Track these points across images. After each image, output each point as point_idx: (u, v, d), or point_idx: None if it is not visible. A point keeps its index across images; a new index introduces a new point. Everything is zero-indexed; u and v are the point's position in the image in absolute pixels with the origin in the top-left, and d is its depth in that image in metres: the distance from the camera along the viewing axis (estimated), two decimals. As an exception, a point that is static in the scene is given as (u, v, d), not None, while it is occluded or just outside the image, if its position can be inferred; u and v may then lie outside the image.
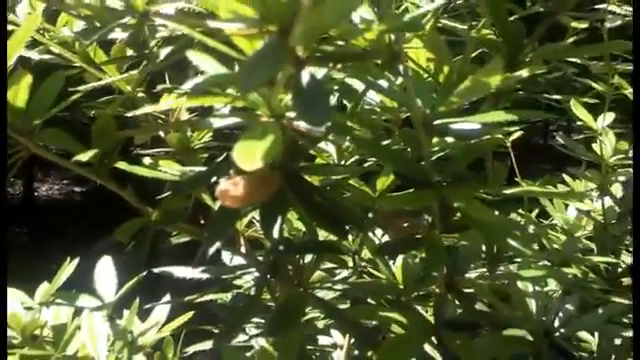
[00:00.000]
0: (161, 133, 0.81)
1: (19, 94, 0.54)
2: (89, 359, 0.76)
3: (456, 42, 0.70)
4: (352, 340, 0.78)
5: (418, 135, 0.51)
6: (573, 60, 0.93)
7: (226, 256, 0.82)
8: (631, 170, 1.01)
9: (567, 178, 1.12)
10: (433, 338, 0.64)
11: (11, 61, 0.53)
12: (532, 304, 0.74)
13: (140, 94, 0.78)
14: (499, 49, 0.62)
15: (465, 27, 0.72)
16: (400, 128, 0.68)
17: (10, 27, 0.68)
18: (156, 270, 0.75)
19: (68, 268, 0.81)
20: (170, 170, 0.71)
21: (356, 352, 0.78)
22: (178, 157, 0.79)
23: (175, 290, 0.88)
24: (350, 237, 0.73)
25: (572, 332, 0.75)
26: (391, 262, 0.76)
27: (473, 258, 0.71)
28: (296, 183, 0.53)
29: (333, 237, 0.60)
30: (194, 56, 0.45)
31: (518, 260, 0.82)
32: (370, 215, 0.65)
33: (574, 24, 0.74)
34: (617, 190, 1.06)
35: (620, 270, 0.97)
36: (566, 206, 1.08)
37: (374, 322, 0.72)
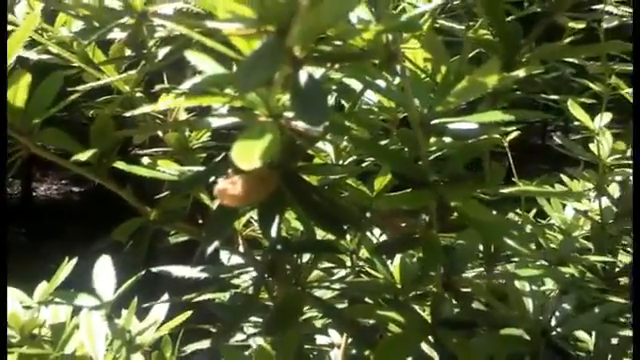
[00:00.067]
0: (159, 133, 0.81)
1: (18, 94, 0.55)
2: (87, 358, 0.77)
3: (453, 42, 0.71)
4: (349, 339, 0.78)
5: (416, 135, 0.51)
6: (571, 60, 0.94)
7: (224, 255, 0.82)
8: (628, 170, 1.01)
9: (565, 178, 1.12)
10: (430, 337, 0.64)
11: (10, 61, 0.53)
12: (529, 303, 0.74)
13: (138, 94, 0.78)
14: (496, 49, 0.63)
15: (462, 27, 0.72)
16: (398, 128, 0.68)
17: (9, 27, 0.68)
18: (154, 269, 0.75)
19: (67, 267, 0.81)
20: (168, 170, 0.71)
21: (353, 351, 0.78)
22: (176, 157, 0.79)
23: (173, 289, 0.88)
24: (348, 236, 0.73)
25: (569, 331, 0.75)
26: (389, 261, 0.77)
27: (470, 257, 0.71)
28: (294, 182, 0.54)
29: (331, 236, 0.60)
30: (192, 56, 0.45)
31: (515, 259, 0.82)
32: (368, 215, 0.65)
33: (571, 24, 0.74)
34: (614, 190, 1.06)
35: (617, 270, 0.98)
36: (564, 206, 1.08)
37: (371, 321, 0.72)
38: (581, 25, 0.76)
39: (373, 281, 0.76)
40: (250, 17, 0.39)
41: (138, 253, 0.67)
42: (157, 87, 0.72)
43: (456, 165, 0.57)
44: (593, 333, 0.83)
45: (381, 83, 0.54)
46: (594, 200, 1.05)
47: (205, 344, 0.89)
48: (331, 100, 0.64)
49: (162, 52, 0.65)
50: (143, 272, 0.82)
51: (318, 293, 0.72)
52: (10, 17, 0.71)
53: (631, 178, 1.01)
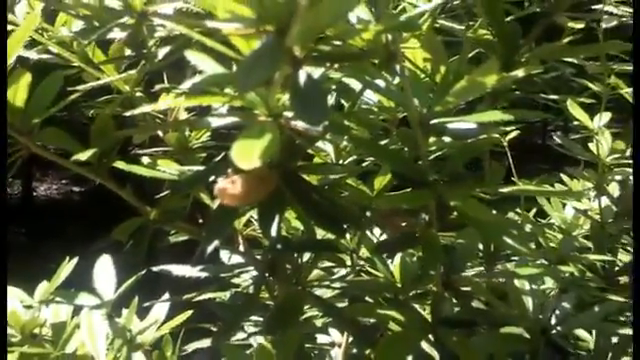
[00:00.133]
0: (159, 132, 0.81)
1: (18, 93, 0.55)
2: (88, 357, 0.77)
3: (453, 42, 0.71)
4: (350, 338, 0.78)
5: (415, 135, 0.51)
6: (570, 60, 0.94)
7: (224, 255, 0.82)
8: (627, 169, 1.02)
9: (565, 177, 1.13)
10: (430, 336, 0.64)
11: (10, 60, 0.53)
12: (529, 302, 0.74)
13: (138, 94, 0.78)
14: (495, 49, 0.63)
15: (462, 27, 0.72)
16: (397, 128, 0.68)
17: (9, 27, 0.68)
18: (155, 269, 0.75)
19: (67, 267, 0.81)
20: (168, 169, 0.71)
21: (354, 350, 0.79)
22: (176, 156, 0.79)
23: (174, 288, 0.88)
24: (348, 236, 0.73)
25: (569, 330, 0.75)
26: (389, 261, 0.77)
27: (470, 257, 0.71)
28: (294, 182, 0.54)
29: (331, 236, 0.60)
30: (192, 56, 0.45)
31: (515, 258, 0.82)
32: (368, 214, 0.65)
33: (570, 24, 0.74)
34: (614, 189, 1.06)
35: (617, 269, 0.98)
36: (563, 205, 1.08)
37: (372, 320, 0.72)
38: (580, 25, 0.76)
39: (373, 280, 0.76)
40: (249, 17, 0.39)
41: (138, 252, 0.67)
42: (157, 87, 0.72)
43: (456, 165, 0.57)
44: (593, 332, 0.83)
45: (380, 83, 0.54)
46: (594, 199, 1.05)
47: (206, 343, 0.89)
48: (331, 100, 0.64)
49: (162, 52, 0.65)
50: (143, 271, 0.83)
51: (318, 292, 0.72)
52: (10, 17, 0.71)
53: (630, 177, 1.01)
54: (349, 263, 0.77)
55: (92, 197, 5.32)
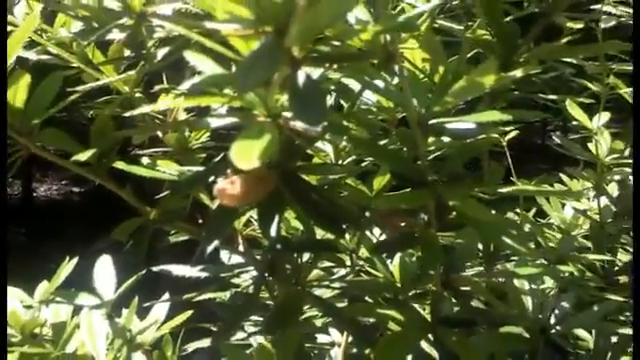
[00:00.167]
0: (159, 133, 0.81)
1: (18, 94, 0.55)
2: (88, 357, 0.77)
3: (452, 43, 0.71)
4: (350, 338, 0.78)
5: (414, 135, 0.52)
6: (569, 60, 0.94)
7: (224, 255, 0.82)
8: (627, 169, 1.02)
9: (564, 177, 1.13)
10: (430, 335, 0.64)
11: (10, 61, 0.53)
12: (528, 302, 0.75)
13: (138, 94, 0.78)
14: (494, 49, 0.63)
15: (461, 28, 0.72)
16: (396, 128, 0.68)
17: (8, 28, 0.68)
18: (155, 269, 0.75)
19: (67, 267, 0.81)
20: (168, 170, 0.71)
21: (354, 350, 0.79)
22: (176, 157, 0.79)
23: (174, 288, 0.88)
24: (347, 236, 0.73)
25: (568, 329, 0.75)
26: (388, 260, 0.77)
27: (469, 256, 0.71)
28: (293, 182, 0.54)
29: (330, 236, 0.60)
30: (191, 56, 0.45)
31: (514, 258, 0.83)
32: (367, 214, 0.65)
33: (569, 24, 0.74)
34: (613, 189, 1.06)
35: (616, 268, 0.98)
36: (563, 205, 1.08)
37: (372, 320, 0.73)
38: (579, 25, 0.76)
39: (373, 280, 0.76)
40: (248, 18, 0.39)
41: (138, 252, 0.67)
42: (156, 87, 0.72)
43: (455, 164, 0.57)
44: (593, 331, 0.83)
45: (379, 83, 0.54)
46: (593, 199, 1.05)
47: (206, 343, 0.89)
48: (330, 100, 0.65)
49: (161, 52, 0.65)
50: (143, 271, 0.83)
51: (318, 292, 0.72)
52: (10, 18, 0.71)
53: (630, 177, 1.01)
54: (349, 263, 0.77)
55: (92, 197, 5.32)
